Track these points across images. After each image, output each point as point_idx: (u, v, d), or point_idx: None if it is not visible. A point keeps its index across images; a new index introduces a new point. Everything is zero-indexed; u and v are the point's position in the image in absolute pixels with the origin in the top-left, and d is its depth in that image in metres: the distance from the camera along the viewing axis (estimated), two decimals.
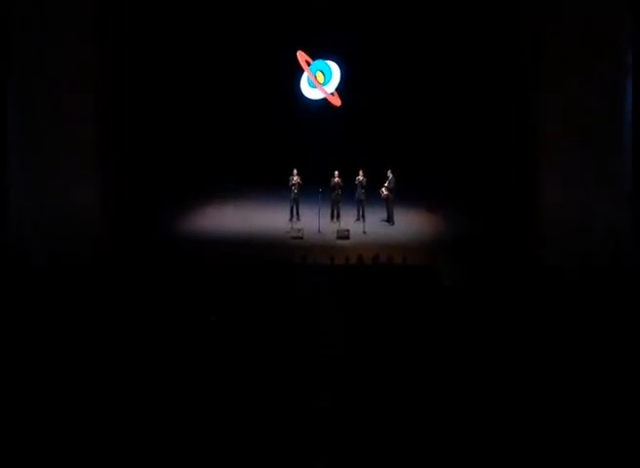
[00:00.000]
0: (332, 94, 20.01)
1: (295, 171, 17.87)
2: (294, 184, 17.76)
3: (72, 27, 14.60)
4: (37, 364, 9.27)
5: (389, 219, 18.03)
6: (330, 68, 19.59)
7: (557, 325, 10.82)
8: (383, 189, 17.79)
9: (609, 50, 13.64)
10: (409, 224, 18.07)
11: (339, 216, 17.88)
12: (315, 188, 17.38)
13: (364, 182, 17.74)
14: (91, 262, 13.81)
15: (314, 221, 17.40)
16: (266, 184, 19.96)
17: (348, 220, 17.84)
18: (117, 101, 16.57)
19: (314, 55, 20.37)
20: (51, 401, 8.36)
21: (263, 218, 18.39)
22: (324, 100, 20.39)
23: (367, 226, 17.39)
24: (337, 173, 17.83)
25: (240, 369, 9.26)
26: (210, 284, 12.32)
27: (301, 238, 16.81)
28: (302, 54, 19.83)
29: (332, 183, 17.80)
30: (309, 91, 20.18)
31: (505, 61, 17.43)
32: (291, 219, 17.83)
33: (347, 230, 17.11)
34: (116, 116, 16.58)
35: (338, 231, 17.08)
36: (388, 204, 17.96)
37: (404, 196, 18.57)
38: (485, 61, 18.91)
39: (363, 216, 17.76)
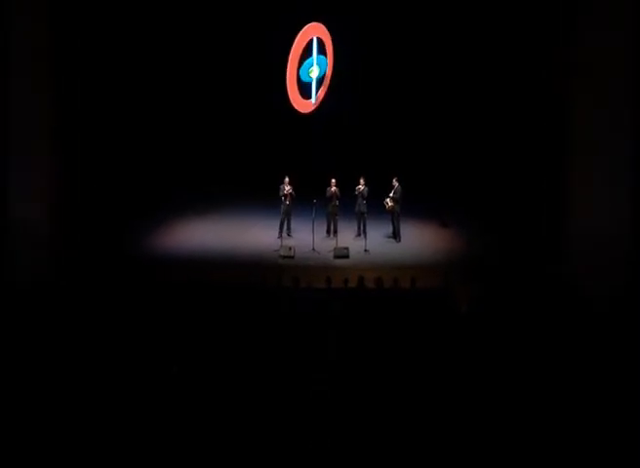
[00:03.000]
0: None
1: (286, 179, 17.83)
2: (284, 195, 17.72)
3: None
4: None
5: (395, 235, 18.00)
6: (326, 62, 19.51)
7: (591, 359, 10.78)
8: (388, 200, 17.73)
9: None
10: (418, 241, 18.03)
11: (336, 232, 17.82)
12: (309, 199, 17.38)
13: (365, 192, 17.71)
14: (44, 286, 13.88)
15: (308, 238, 17.33)
16: (252, 195, 20.04)
17: (347, 237, 17.84)
18: (76, 103, 17.18)
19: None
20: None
21: (249, 234, 18.34)
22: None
23: (369, 243, 17.33)
24: (333, 181, 17.74)
25: (218, 409, 9.25)
26: (186, 311, 12.25)
27: (293, 257, 16.73)
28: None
29: (328, 193, 17.73)
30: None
31: (533, 65, 17.73)
32: (280, 235, 17.77)
33: (346, 248, 17.01)
34: (74, 120, 16.99)
35: (335, 249, 16.98)
36: (394, 217, 17.94)
37: (412, 208, 18.66)
38: (510, 63, 19.12)
39: (364, 232, 17.73)
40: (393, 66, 21.17)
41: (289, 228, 17.97)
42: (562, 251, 15.79)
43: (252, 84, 20.96)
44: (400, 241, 17.84)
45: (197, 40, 20.83)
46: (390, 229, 18.04)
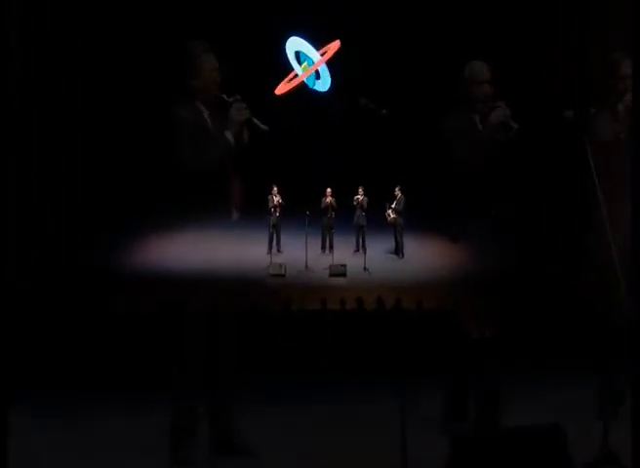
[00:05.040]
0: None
1: (274, 189, 17.80)
2: (274, 206, 17.71)
3: None
4: None
5: (398, 251, 17.97)
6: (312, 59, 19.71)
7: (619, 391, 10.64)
8: (390, 212, 17.74)
9: None
10: (423, 258, 17.72)
11: (332, 247, 17.85)
12: (302, 211, 17.32)
13: (364, 203, 17.71)
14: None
15: (300, 254, 17.36)
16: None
17: (345, 252, 17.82)
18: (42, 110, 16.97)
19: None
20: None
21: (234, 250, 18.16)
22: (313, 98, 20.54)
23: (369, 260, 17.39)
24: (329, 190, 17.84)
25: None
26: (163, 336, 12.10)
27: (284, 275, 16.79)
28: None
29: (323, 204, 17.80)
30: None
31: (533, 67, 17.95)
32: (270, 252, 17.75)
33: (343, 265, 17.04)
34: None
35: (331, 266, 17.04)
36: (396, 231, 17.91)
37: (417, 221, 18.56)
38: (511, 66, 19.28)
39: (364, 247, 17.72)
40: (395, 67, 21.33)
41: (279, 243, 17.91)
42: (577, 261, 15.91)
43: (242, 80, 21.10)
44: (403, 257, 17.83)
45: (188, 40, 20.97)
46: (393, 244, 18.01)
